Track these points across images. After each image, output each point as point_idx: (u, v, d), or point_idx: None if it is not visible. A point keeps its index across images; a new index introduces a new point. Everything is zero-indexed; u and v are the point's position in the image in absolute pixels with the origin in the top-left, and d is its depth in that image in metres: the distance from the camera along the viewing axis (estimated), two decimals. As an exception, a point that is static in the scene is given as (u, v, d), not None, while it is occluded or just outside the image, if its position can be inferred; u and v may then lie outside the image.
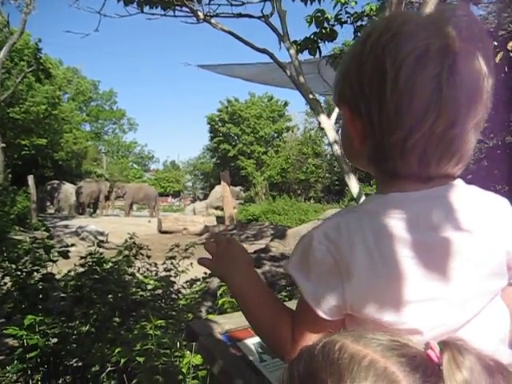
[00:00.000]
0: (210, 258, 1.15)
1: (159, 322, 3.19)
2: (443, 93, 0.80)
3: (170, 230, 20.66)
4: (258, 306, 1.03)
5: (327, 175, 33.64)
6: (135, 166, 63.44)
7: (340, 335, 0.64)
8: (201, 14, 4.48)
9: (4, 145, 19.91)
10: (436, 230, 0.82)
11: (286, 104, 44.82)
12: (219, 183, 26.61)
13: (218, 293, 3.98)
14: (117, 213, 29.32)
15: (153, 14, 4.78)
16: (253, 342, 1.66)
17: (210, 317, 1.84)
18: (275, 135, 43.70)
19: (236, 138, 43.00)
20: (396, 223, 0.82)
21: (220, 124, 43.45)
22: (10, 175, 20.03)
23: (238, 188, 32.20)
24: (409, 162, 0.85)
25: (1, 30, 21.48)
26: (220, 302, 3.65)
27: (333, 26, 4.98)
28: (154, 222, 22.17)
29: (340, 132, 1.02)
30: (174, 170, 63.53)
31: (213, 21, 4.54)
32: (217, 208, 27.54)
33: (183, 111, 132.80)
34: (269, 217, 24.26)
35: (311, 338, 0.85)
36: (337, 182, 32.93)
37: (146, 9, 4.67)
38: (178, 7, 4.58)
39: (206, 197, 35.79)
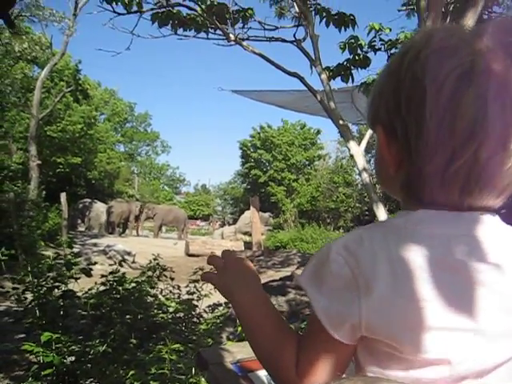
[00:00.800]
0: (209, 272, 1.09)
1: (176, 346, 3.11)
2: (489, 114, 0.72)
3: (197, 253, 20.62)
4: (262, 328, 0.94)
5: (357, 205, 33.32)
6: (166, 188, 63.98)
7: (350, 380, 0.56)
8: (232, 36, 4.48)
9: (40, 162, 20.32)
10: (466, 257, 0.74)
11: (318, 132, 44.81)
12: (249, 208, 26.58)
13: (238, 319, 3.88)
14: (146, 234, 29.46)
15: (186, 36, 4.81)
16: (265, 373, 1.57)
17: (229, 344, 1.76)
18: (306, 163, 43.64)
19: (267, 164, 43.06)
20: (425, 242, 0.75)
21: (252, 149, 43.60)
22: (44, 192, 20.32)
23: (267, 214, 32.16)
24: (449, 191, 0.78)
25: (44, 51, 22.09)
26: (240, 328, 3.55)
27: (366, 52, 4.94)
28: (182, 245, 22.18)
29: (375, 153, 0.93)
30: (204, 193, 63.81)
31: (244, 43, 4.53)
32: (245, 233, 27.48)
33: (216, 135, 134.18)
34: (297, 244, 24.08)
35: (318, 366, 0.80)
36: (367, 212, 32.57)
37: (180, 31, 4.71)
38: (210, 29, 4.60)
39: (235, 221, 35.79)
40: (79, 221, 27.98)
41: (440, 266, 0.73)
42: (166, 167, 64.88)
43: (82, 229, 27.18)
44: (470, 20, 2.75)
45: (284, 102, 10.48)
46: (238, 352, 1.61)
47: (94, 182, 35.37)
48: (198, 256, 20.29)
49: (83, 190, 32.91)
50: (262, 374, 1.57)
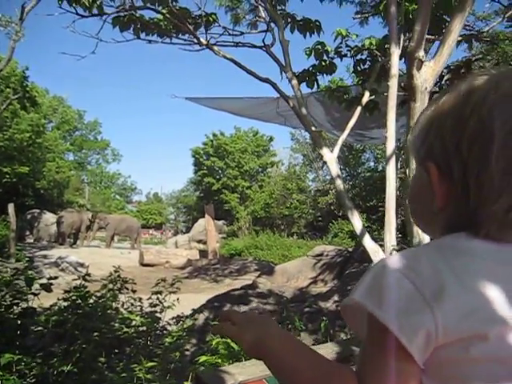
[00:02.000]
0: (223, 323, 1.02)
1: (151, 364, 2.96)
2: None
3: (151, 262, 20.29)
4: (312, 367, 0.84)
5: (311, 211, 33.60)
6: (118, 197, 62.90)
7: None
8: (203, 41, 4.37)
9: (-15, 172, 19.58)
10: None
11: (271, 139, 45.17)
12: (202, 216, 26.44)
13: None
14: (97, 244, 28.80)
15: (150, 41, 4.67)
16: (269, 396, 1.47)
17: (230, 366, 1.65)
18: (260, 170, 43.86)
19: (220, 171, 43.03)
20: (478, 253, 0.77)
21: (205, 157, 43.48)
22: (-10, 203, 19.62)
23: (221, 222, 32.04)
24: (506, 232, 0.78)
25: (-12, 56, 21.34)
26: (214, 342, 3.43)
27: (332, 58, 4.91)
28: (135, 255, 21.77)
29: (411, 188, 0.93)
30: (156, 202, 63.16)
31: (215, 48, 4.43)
32: (199, 241, 27.26)
33: (168, 143, 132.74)
34: (251, 252, 24.10)
35: None
36: (320, 218, 32.92)
37: (143, 35, 4.57)
38: (177, 35, 4.49)
39: (188, 230, 35.56)
40: (28, 232, 27.11)
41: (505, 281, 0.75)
42: (117, 176, 63.81)
43: (31, 240, 26.36)
44: (457, 26, 2.75)
45: (238, 109, 10.46)
46: (238, 374, 1.50)
47: (42, 191, 34.45)
48: (152, 266, 19.98)
49: (31, 201, 31.95)
50: (266, 396, 1.47)
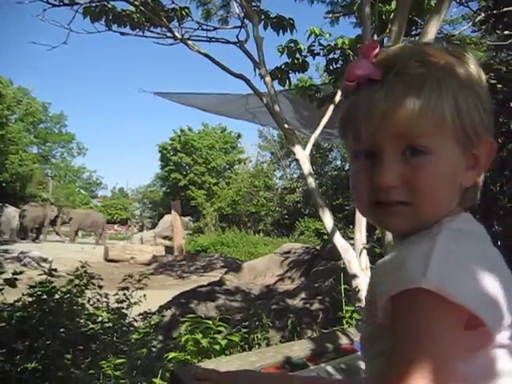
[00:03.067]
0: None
1: (120, 360, 2.92)
2: None
3: (116, 258, 20.08)
4: None
5: (278, 209, 33.72)
6: (82, 191, 61.92)
7: None
8: (178, 35, 4.32)
9: None
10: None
11: (239, 136, 45.11)
12: (168, 212, 26.27)
13: (183, 328, 3.73)
14: (61, 239, 28.34)
15: (122, 34, 4.60)
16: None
17: (205, 361, 1.62)
18: (227, 167, 43.77)
19: (187, 167, 42.77)
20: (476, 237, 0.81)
21: (172, 153, 43.14)
22: (-51, 195, 19.13)
23: (187, 218, 31.90)
24: None
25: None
26: (183, 339, 3.40)
27: (305, 57, 4.92)
28: (100, 250, 21.50)
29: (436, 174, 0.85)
30: (122, 197, 62.40)
31: (189, 42, 4.39)
32: (165, 238, 27.08)
33: (135, 139, 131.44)
34: (218, 248, 24.07)
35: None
36: (287, 216, 33.06)
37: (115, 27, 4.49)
38: (150, 27, 4.43)
39: (153, 226, 35.25)
40: (-12, 226, 26.52)
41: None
42: (83, 170, 62.77)
43: (-8, 234, 25.79)
44: (433, 28, 2.78)
45: (206, 105, 10.43)
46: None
47: (4, 184, 33.74)
48: (117, 261, 19.77)
49: (-7, 194, 31.27)
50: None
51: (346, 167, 30.10)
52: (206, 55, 4.36)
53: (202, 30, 4.63)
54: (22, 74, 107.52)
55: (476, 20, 6.13)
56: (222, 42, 4.62)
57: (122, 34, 4.63)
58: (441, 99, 0.78)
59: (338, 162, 33.37)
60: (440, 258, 0.71)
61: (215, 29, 4.71)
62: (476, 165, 0.84)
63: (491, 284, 0.71)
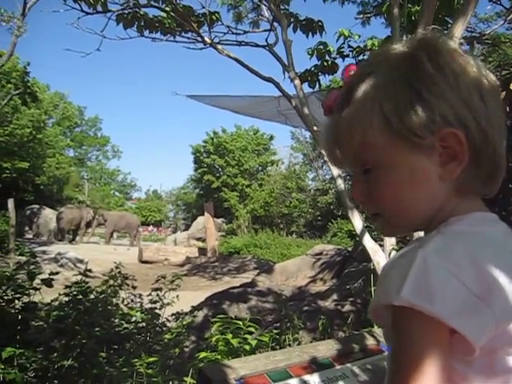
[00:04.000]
0: None
1: (152, 359, 2.99)
2: None
3: (150, 259, 20.34)
4: None
5: (310, 210, 33.61)
6: (117, 193, 62.96)
7: None
8: (207, 39, 4.39)
9: (-15, 167, 19.58)
10: None
11: (271, 138, 45.09)
12: (202, 214, 26.45)
13: (213, 329, 3.78)
14: (96, 240, 28.83)
15: (153, 39, 4.70)
16: (270, 390, 1.50)
17: (233, 361, 1.67)
18: (260, 168, 43.79)
19: (220, 169, 42.97)
20: (493, 239, 0.78)
21: (205, 155, 43.40)
22: (-10, 198, 19.66)
23: (220, 220, 32.06)
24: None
25: (-11, 51, 21.31)
26: (214, 339, 3.46)
27: (334, 59, 4.93)
28: (134, 251, 21.79)
29: (402, 180, 0.86)
30: (156, 199, 63.11)
31: (219, 47, 4.45)
32: (198, 239, 27.28)
33: (169, 141, 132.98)
34: (250, 250, 24.10)
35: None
36: (319, 218, 32.94)
37: (147, 33, 4.59)
38: (180, 32, 4.51)
39: (187, 227, 35.55)
40: (27, 228, 27.16)
41: None
42: (117, 172, 63.86)
43: (30, 236, 26.40)
44: (459, 28, 2.78)
45: (239, 108, 10.46)
46: (240, 368, 1.52)
47: (42, 187, 34.46)
48: (151, 263, 20.02)
49: (31, 196, 31.99)
50: (267, 391, 1.50)
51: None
52: (236, 59, 4.41)
53: (232, 33, 4.69)
54: (58, 79, 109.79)
55: (509, 17, 6.03)
56: (252, 46, 4.66)
57: (154, 39, 4.73)
58: (366, 113, 0.80)
59: (372, 163, 33.05)
60: (416, 276, 0.71)
61: (245, 32, 4.77)
62: (453, 157, 0.79)
63: (476, 291, 0.70)
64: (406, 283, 0.71)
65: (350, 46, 4.89)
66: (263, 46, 4.54)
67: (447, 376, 0.71)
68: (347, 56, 4.91)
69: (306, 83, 5.00)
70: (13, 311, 3.83)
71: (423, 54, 0.80)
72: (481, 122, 0.79)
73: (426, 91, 0.78)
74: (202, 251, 22.56)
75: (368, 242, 3.89)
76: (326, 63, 4.86)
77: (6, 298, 3.91)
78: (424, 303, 0.69)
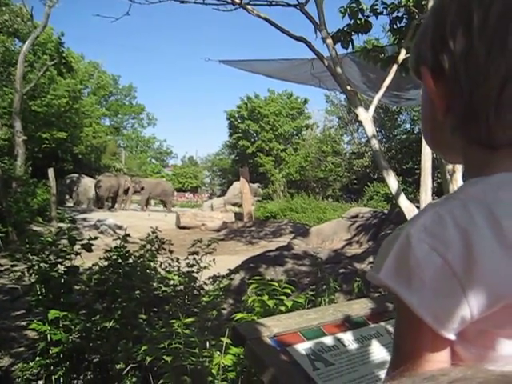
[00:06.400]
0: None
1: (188, 320, 3.07)
2: None
3: (188, 225, 20.63)
4: None
5: (346, 174, 33.44)
6: (154, 161, 63.61)
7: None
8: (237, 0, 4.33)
9: (25, 137, 19.97)
10: None
11: (305, 101, 44.67)
12: (237, 180, 26.59)
13: (249, 290, 3.84)
14: (134, 207, 29.34)
15: (182, 1, 4.65)
16: (304, 347, 1.52)
17: (266, 319, 1.70)
18: (294, 133, 43.58)
19: (255, 134, 42.94)
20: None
21: (239, 120, 43.39)
22: (31, 168, 20.09)
23: (256, 185, 32.17)
24: (505, 123, 0.69)
25: (25, 23, 21.54)
26: (250, 300, 3.51)
27: (368, 17, 4.80)
28: (172, 217, 22.11)
29: (421, 110, 0.85)
30: (192, 165, 63.58)
31: (249, 7, 4.39)
32: (234, 204, 27.49)
33: (203, 107, 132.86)
34: (286, 214, 24.23)
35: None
36: (355, 181, 32.77)
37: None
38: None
39: (223, 193, 35.82)
40: (67, 196, 27.80)
41: None
42: (153, 140, 64.33)
43: (71, 204, 27.01)
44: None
45: (272, 72, 10.33)
46: (274, 326, 1.55)
47: (80, 156, 35.07)
48: (189, 228, 20.31)
49: (70, 165, 32.60)
50: (301, 347, 1.52)
51: (416, 130, 29.30)
52: (266, 19, 4.34)
53: (263, -6, 4.60)
54: (91, 49, 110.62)
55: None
56: (282, 5, 4.57)
57: (182, 1, 4.67)
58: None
59: (408, 126, 32.55)
60: (396, 255, 0.66)
61: (274, -6, 4.67)
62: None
63: (458, 270, 0.63)
64: (385, 263, 0.67)
65: (383, 3, 4.74)
66: (294, 6, 4.45)
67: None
68: (381, 13, 4.77)
69: (339, 44, 4.90)
70: (56, 275, 3.96)
71: None
72: None
73: (433, 30, 0.78)
74: (239, 216, 22.76)
75: (403, 201, 3.85)
76: (359, 21, 4.73)
77: (49, 262, 4.03)
78: (400, 286, 0.66)
